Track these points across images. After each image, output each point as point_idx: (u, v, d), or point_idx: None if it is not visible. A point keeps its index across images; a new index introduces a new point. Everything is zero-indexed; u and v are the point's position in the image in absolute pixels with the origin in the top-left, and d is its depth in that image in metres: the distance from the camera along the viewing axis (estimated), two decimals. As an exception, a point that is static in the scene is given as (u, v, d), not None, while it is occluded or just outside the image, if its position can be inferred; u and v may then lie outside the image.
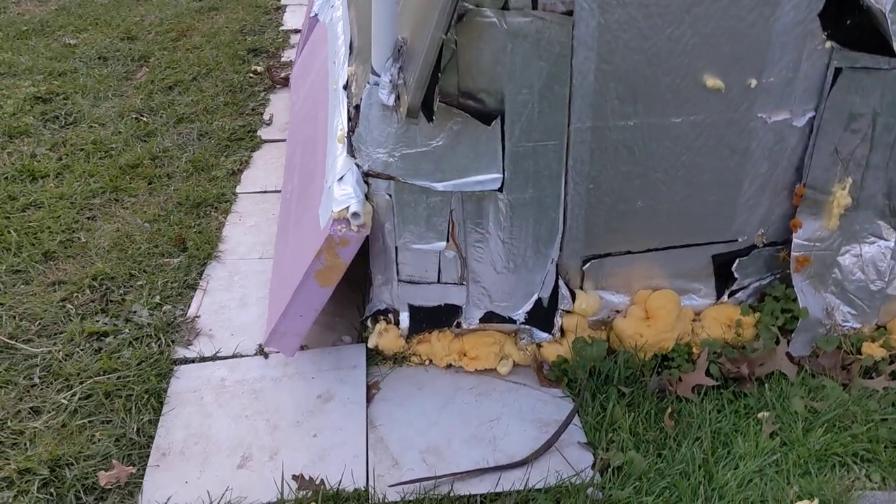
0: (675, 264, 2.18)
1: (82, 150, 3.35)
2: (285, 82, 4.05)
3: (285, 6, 5.18)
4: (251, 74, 4.14)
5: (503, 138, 1.92)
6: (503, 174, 1.97)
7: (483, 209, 2.03)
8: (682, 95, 1.93)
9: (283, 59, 4.38)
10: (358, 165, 2.05)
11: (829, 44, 1.91)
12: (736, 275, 2.20)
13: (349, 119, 2.19)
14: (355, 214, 1.99)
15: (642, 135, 1.97)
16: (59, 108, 3.71)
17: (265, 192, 3.10)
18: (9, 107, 3.68)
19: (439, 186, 1.99)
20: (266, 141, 3.51)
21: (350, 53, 2.54)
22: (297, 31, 4.76)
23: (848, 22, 1.87)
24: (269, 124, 3.65)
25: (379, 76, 1.92)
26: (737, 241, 2.18)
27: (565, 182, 2.01)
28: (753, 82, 1.93)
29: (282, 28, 4.82)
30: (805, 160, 2.05)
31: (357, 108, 2.07)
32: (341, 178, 2.10)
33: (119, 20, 4.81)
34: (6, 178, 3.11)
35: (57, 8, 5.04)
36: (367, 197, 2.05)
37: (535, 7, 1.78)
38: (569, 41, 1.83)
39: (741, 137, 2.00)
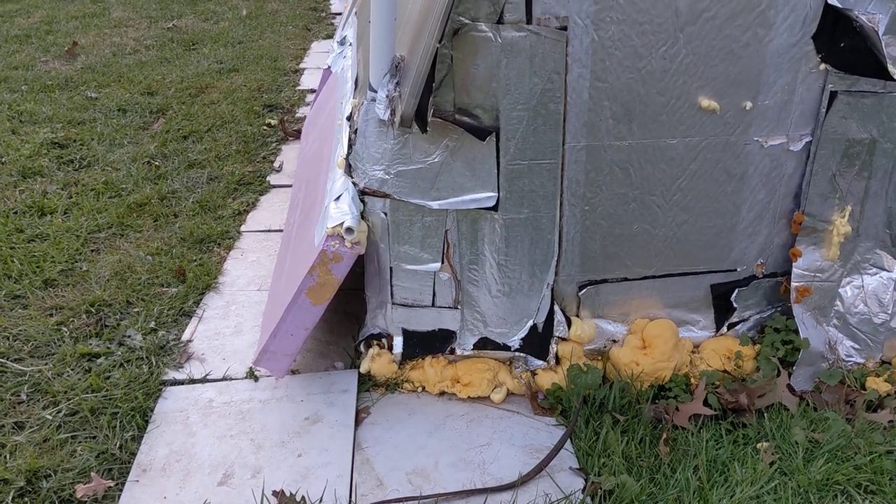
0: (672, 293, 2.14)
1: (93, 189, 3.39)
2: (297, 135, 4.11)
3: (303, 69, 5.32)
4: (265, 127, 4.22)
5: (498, 156, 1.92)
6: (498, 193, 1.96)
7: (478, 230, 2.02)
8: (677, 116, 1.93)
9: (297, 115, 4.47)
10: (354, 183, 2.06)
11: (823, 66, 1.91)
12: (735, 305, 2.16)
13: (350, 144, 2.21)
14: (349, 230, 1.98)
15: (637, 156, 1.97)
16: (74, 153, 3.78)
17: (269, 230, 3.12)
18: (25, 150, 3.75)
19: (434, 205, 1.99)
20: (274, 186, 3.54)
21: (355, 87, 2.59)
22: (312, 91, 4.86)
23: (843, 45, 1.88)
24: (278, 171, 3.70)
25: (376, 92, 1.94)
26: (736, 270, 2.14)
27: (560, 203, 2.00)
28: (749, 104, 1.93)
29: (298, 88, 4.93)
30: (803, 187, 2.03)
31: (357, 131, 2.09)
32: (338, 197, 2.10)
33: (141, 78, 4.94)
34: (15, 212, 3.15)
35: (83, 67, 5.20)
36: (362, 216, 2.05)
37: (529, 22, 1.81)
38: (563, 57, 1.84)
39: (738, 162, 1.99)
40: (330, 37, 6.16)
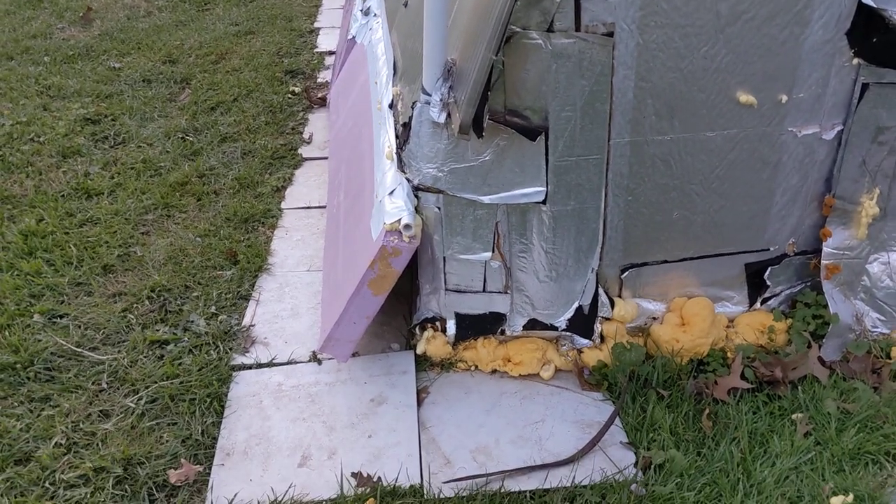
0: (709, 273, 2.28)
1: (132, 168, 3.49)
2: (322, 102, 4.19)
3: (318, 29, 5.34)
4: (289, 95, 4.29)
5: (547, 153, 2.04)
6: (547, 187, 2.08)
7: (527, 221, 2.14)
8: (716, 111, 2.04)
9: (319, 80, 4.52)
10: (408, 180, 2.17)
11: (856, 61, 2.01)
12: (768, 283, 2.30)
13: (397, 136, 2.31)
14: (407, 226, 2.11)
15: (678, 149, 2.08)
16: (108, 129, 3.87)
17: (309, 207, 3.23)
18: (61, 128, 3.84)
19: (486, 199, 2.11)
20: (307, 159, 3.64)
21: (394, 74, 2.67)
22: (331, 53, 4.91)
23: (874, 40, 1.97)
24: (308, 143, 3.79)
25: (430, 95, 2.04)
26: (769, 250, 2.27)
27: (605, 194, 2.12)
28: (784, 98, 2.03)
29: (316, 50, 4.97)
30: (834, 172, 2.15)
31: (405, 125, 2.20)
32: (392, 191, 2.22)
33: (160, 44, 4.98)
34: (63, 196, 3.26)
35: (100, 33, 5.23)
36: (416, 210, 2.17)
37: (577, 29, 1.90)
38: (609, 61, 1.94)
39: (773, 150, 2.10)
40: (340, -8, 6.15)
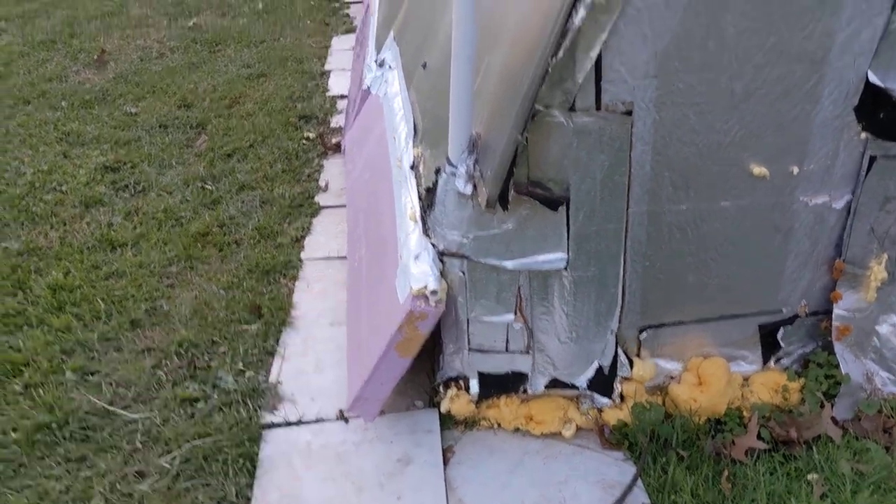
0: (724, 333, 2.36)
1: (154, 218, 3.58)
2: (337, 148, 4.28)
3: (329, 72, 5.45)
4: (304, 141, 4.38)
5: (568, 222, 2.12)
6: (568, 254, 2.16)
7: (549, 285, 2.22)
8: (730, 182, 2.12)
9: (332, 125, 4.62)
10: (433, 245, 2.26)
11: (864, 135, 2.10)
12: (781, 343, 2.38)
13: (419, 198, 2.40)
14: (434, 292, 2.19)
15: (694, 217, 2.16)
16: (127, 177, 3.96)
17: (328, 258, 3.31)
18: (82, 177, 3.93)
19: (509, 265, 2.19)
20: (324, 207, 3.72)
21: (414, 134, 2.76)
22: (342, 97, 5.01)
23: (882, 115, 2.06)
24: (325, 190, 3.87)
25: (455, 167, 2.13)
26: (781, 311, 2.35)
27: (624, 260, 2.20)
28: (795, 170, 2.12)
29: (328, 94, 5.07)
30: (844, 238, 2.24)
31: (429, 190, 2.29)
32: (417, 256, 2.30)
33: (174, 88, 5.09)
34: (88, 247, 3.34)
35: (115, 76, 5.34)
36: (441, 274, 2.25)
37: (598, 108, 1.99)
38: (628, 137, 2.03)
39: (785, 218, 2.19)
40: (348, 32, 6.26)
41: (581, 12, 1.80)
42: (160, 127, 4.55)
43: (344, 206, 3.72)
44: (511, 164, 1.97)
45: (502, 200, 2.03)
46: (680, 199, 2.14)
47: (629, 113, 2.00)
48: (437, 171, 2.32)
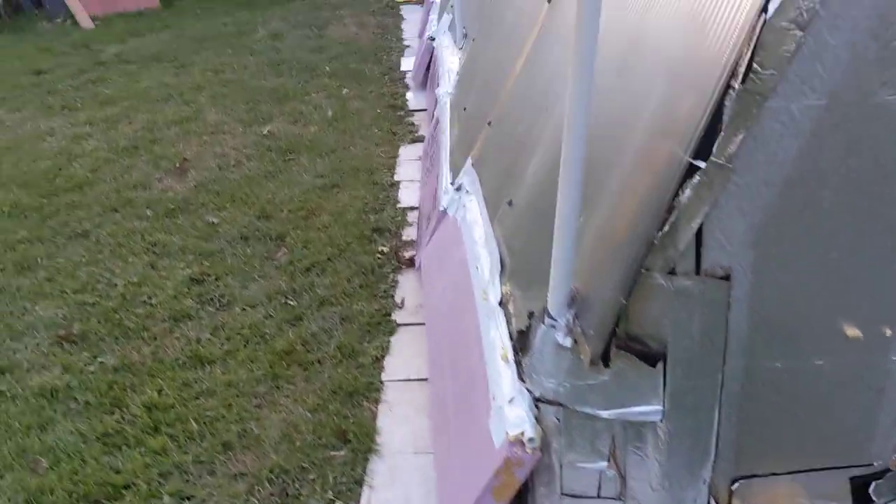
0: (815, 485, 2.38)
1: (239, 334, 3.72)
2: (410, 263, 4.42)
3: (398, 182, 5.63)
4: (378, 255, 4.53)
5: (665, 376, 2.19)
6: (663, 406, 2.22)
7: (643, 435, 2.28)
8: (823, 341, 2.18)
9: (404, 238, 4.77)
10: (529, 391, 2.34)
11: (957, 301, 2.16)
12: (872, 496, 2.39)
13: (510, 338, 2.50)
14: (531, 439, 2.26)
15: (787, 374, 2.22)
16: (212, 291, 4.13)
17: (409, 380, 3.41)
18: (170, 289, 4.11)
19: (604, 414, 2.25)
20: (401, 325, 3.84)
21: (501, 270, 2.88)
22: (412, 209, 5.18)
23: (974, 283, 2.13)
24: (401, 307, 4.00)
25: (556, 320, 2.22)
26: (873, 465, 2.37)
27: (719, 413, 2.26)
28: (888, 332, 2.18)
29: (399, 206, 5.24)
30: (937, 396, 2.28)
31: (521, 333, 2.39)
32: (512, 399, 2.38)
33: (253, 198, 5.31)
34: (179, 364, 3.48)
35: (195, 184, 5.59)
36: (536, 419, 2.32)
37: (698, 273, 2.08)
38: (726, 298, 2.11)
39: (877, 378, 2.24)
40: (414, 141, 6.47)
41: (688, 192, 1.92)
42: (241, 238, 4.74)
43: (419, 324, 3.83)
44: (614, 325, 2.06)
45: (604, 358, 2.11)
46: (774, 357, 2.20)
47: (727, 277, 2.09)
48: (531, 316, 2.42)
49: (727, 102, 1.87)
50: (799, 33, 1.83)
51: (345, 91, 7.79)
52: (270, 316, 3.88)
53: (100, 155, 6.15)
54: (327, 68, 8.56)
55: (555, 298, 2.24)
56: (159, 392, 3.28)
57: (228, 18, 11.21)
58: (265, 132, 6.65)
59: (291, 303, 4.00)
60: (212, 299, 4.05)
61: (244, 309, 3.95)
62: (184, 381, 3.35)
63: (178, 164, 5.90)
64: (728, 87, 1.86)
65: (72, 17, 10.98)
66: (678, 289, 2.09)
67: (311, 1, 12.34)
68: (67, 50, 9.67)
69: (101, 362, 3.48)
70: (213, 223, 4.94)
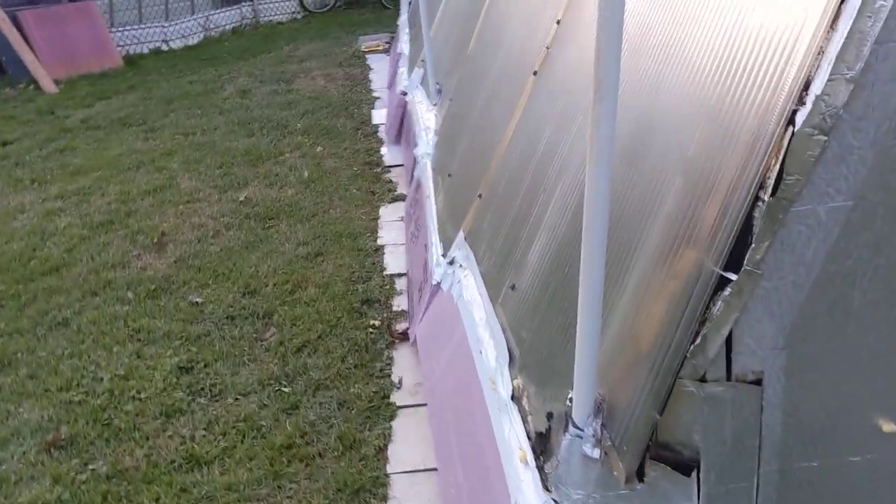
0: (855, 580, 2.31)
1: (235, 428, 3.58)
2: (403, 337, 4.33)
3: (383, 247, 5.54)
4: (370, 329, 4.43)
5: (698, 482, 2.11)
6: (697, 513, 2.15)
7: (677, 541, 2.20)
8: (859, 438, 2.13)
9: (395, 309, 4.67)
10: (555, 500, 2.25)
11: None
12: (914, 588, 2.33)
13: (528, 438, 2.41)
14: (563, 555, 2.17)
15: (822, 474, 2.15)
16: (202, 379, 3.99)
17: (415, 471, 3.29)
18: (158, 380, 3.96)
19: (637, 524, 2.17)
20: (401, 407, 3.73)
21: (511, 362, 2.80)
22: (400, 275, 5.09)
23: None
24: (399, 387, 3.89)
25: (582, 430, 2.14)
26: (912, 557, 2.31)
27: (754, 516, 2.19)
28: (923, 424, 2.13)
29: (386, 273, 5.14)
30: (973, 485, 2.22)
31: (541, 435, 2.30)
32: (537, 509, 2.29)
33: (236, 273, 5.18)
34: (175, 467, 3.34)
35: (175, 259, 5.45)
36: (564, 530, 2.23)
37: (728, 378, 2.02)
38: (758, 402, 2.05)
39: (914, 469, 2.18)
40: (394, 201, 6.40)
41: (719, 304, 1.86)
42: (227, 318, 4.61)
43: (420, 405, 3.73)
44: (648, 440, 1.99)
45: (639, 473, 2.04)
46: (809, 457, 2.14)
47: (759, 381, 2.03)
48: (550, 417, 2.34)
49: (756, 214, 1.81)
50: (823, 138, 1.79)
51: (319, 149, 7.72)
52: (265, 405, 3.75)
53: (74, 232, 5.99)
54: (299, 125, 8.49)
55: (580, 407, 2.16)
56: (157, 501, 3.13)
57: (194, 76, 11.13)
58: (242, 198, 6.54)
59: (286, 389, 3.87)
60: (203, 389, 3.91)
61: (237, 399, 3.82)
62: (181, 487, 3.21)
63: (155, 239, 5.76)
64: (757, 199, 1.81)
65: (34, 81, 10.82)
66: (709, 395, 2.02)
67: (276, 54, 12.31)
68: (32, 117, 9.49)
69: (93, 470, 3.32)
70: (197, 303, 4.80)
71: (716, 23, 2.17)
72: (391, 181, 6.91)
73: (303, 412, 3.69)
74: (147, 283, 5.09)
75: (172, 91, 10.34)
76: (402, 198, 6.38)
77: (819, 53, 1.73)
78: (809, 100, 1.74)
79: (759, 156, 1.80)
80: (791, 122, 1.75)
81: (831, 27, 1.72)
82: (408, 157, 6.76)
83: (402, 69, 8.48)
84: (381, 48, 11.89)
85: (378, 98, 9.46)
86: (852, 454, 2.15)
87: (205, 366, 4.12)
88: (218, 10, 14.54)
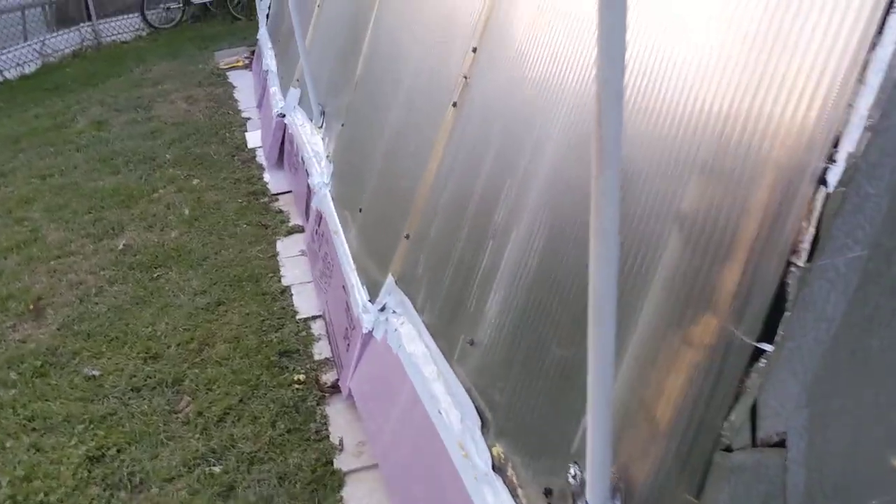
0: None
1: (169, 525, 3.23)
2: (334, 389, 4.05)
3: (289, 287, 5.20)
4: (296, 386, 4.12)
5: (726, 552, 2.00)
6: (727, 582, 2.03)
7: None
8: (878, 482, 2.07)
9: (316, 358, 4.38)
10: (574, 589, 2.08)
11: None
12: None
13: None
14: None
15: (844, 520, 2.09)
16: (118, 469, 3.58)
17: (380, 548, 3.06)
18: (67, 477, 3.53)
19: None
20: (348, 472, 3.47)
21: (483, 426, 2.61)
22: (315, 317, 4.79)
23: None
24: (341, 450, 3.63)
25: (599, 516, 1.98)
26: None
27: (781, 572, 2.09)
28: (935, 459, 2.09)
29: (299, 317, 4.82)
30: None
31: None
32: None
33: (131, 336, 4.72)
34: (108, 584, 2.95)
35: (58, 327, 4.92)
36: None
37: (753, 445, 1.90)
38: (782, 463, 1.94)
39: (927, 504, 2.15)
40: (290, 233, 6.05)
41: (753, 376, 1.74)
42: (132, 391, 4.18)
43: (368, 467, 3.49)
44: None
45: (674, 558, 1.89)
46: (831, 507, 2.07)
47: (783, 443, 1.93)
48: (549, 494, 2.17)
49: (790, 281, 1.69)
50: (842, 189, 1.69)
51: (195, 181, 7.23)
52: (196, 491, 3.39)
53: (-68, 307, 5.32)
54: (168, 156, 7.94)
55: (596, 488, 2.00)
56: None
57: (39, 109, 10.25)
58: (121, 246, 6.00)
59: (216, 468, 3.53)
60: (121, 481, 3.50)
61: (163, 487, 3.44)
62: None
63: (31, 305, 5.18)
64: (789, 265, 1.69)
65: None
66: (734, 464, 1.90)
67: (127, 78, 11.53)
68: None
69: None
70: (94, 377, 4.33)
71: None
72: (282, 211, 6.54)
73: (241, 493, 3.36)
74: (31, 359, 4.55)
75: (17, 128, 9.47)
76: (298, 229, 6.04)
77: (848, 106, 1.62)
78: (840, 157, 1.63)
79: (789, 219, 1.68)
80: (823, 181, 1.64)
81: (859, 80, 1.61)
82: (296, 184, 6.42)
83: (274, 88, 8.09)
84: (241, 64, 11.34)
85: (249, 119, 9.00)
86: (872, 497, 2.09)
87: (118, 451, 3.70)
88: (54, 34, 13.47)
